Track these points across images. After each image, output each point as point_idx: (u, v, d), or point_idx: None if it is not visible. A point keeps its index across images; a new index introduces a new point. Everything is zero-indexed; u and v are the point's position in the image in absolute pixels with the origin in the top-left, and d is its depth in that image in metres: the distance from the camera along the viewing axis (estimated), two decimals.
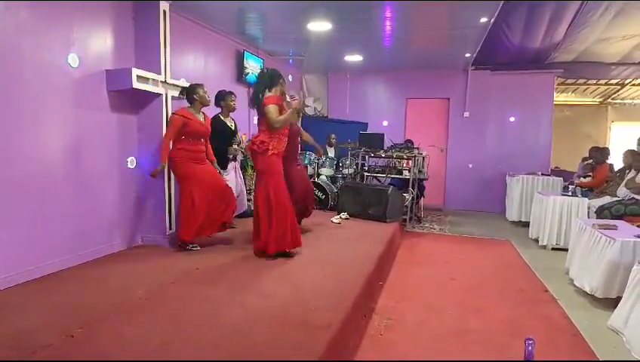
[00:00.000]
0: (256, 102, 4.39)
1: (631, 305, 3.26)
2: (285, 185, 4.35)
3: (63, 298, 3.21)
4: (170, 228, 4.81)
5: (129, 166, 4.63)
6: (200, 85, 4.62)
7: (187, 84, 4.97)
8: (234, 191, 5.32)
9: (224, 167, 5.26)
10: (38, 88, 3.57)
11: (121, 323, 2.79)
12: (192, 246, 4.51)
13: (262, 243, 4.30)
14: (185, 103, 4.72)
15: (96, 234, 4.24)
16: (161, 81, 4.61)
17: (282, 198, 4.27)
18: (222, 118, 5.29)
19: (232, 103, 5.31)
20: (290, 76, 8.97)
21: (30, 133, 3.53)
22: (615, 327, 3.43)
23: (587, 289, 4.11)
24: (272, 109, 4.22)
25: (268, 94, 4.32)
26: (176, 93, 4.80)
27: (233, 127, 5.48)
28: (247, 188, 6.24)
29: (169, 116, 4.60)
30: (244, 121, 6.91)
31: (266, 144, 4.26)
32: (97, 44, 4.17)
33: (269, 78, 4.39)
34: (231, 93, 5.34)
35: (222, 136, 5.20)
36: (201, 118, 4.61)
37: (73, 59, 3.87)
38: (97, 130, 4.22)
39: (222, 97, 5.30)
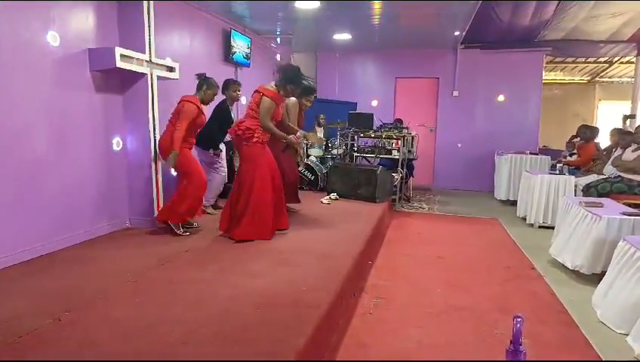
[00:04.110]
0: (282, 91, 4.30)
1: (615, 280, 3.32)
2: (270, 174, 4.22)
3: (49, 281, 3.18)
4: (158, 211, 4.76)
5: (115, 148, 4.55)
6: (235, 86, 4.85)
7: (172, 64, 4.88)
8: (220, 174, 5.30)
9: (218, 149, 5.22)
10: (17, 68, 3.46)
11: (109, 306, 2.78)
12: (184, 231, 4.45)
13: (226, 227, 4.29)
14: (169, 84, 4.64)
15: (83, 216, 4.19)
16: (146, 61, 4.51)
17: (263, 191, 4.14)
18: (228, 105, 5.21)
19: (234, 94, 5.21)
20: (278, 55, 8.86)
21: (10, 115, 3.43)
22: (597, 304, 3.49)
23: (572, 265, 4.17)
24: (266, 104, 4.10)
25: (271, 86, 4.18)
26: (161, 73, 4.70)
27: (235, 117, 5.42)
28: (236, 170, 6.19)
29: (180, 102, 4.35)
30: None
31: (252, 131, 4.15)
32: (79, 21, 4.05)
33: (293, 76, 4.28)
34: (236, 82, 5.21)
35: (223, 123, 5.12)
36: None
37: (53, 38, 3.76)
38: (81, 111, 4.13)
39: (226, 86, 5.21)
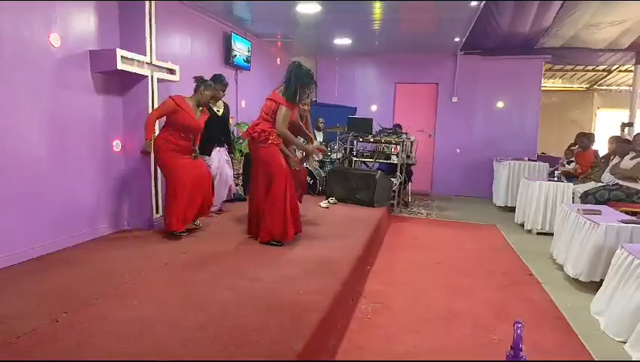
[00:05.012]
0: (292, 97, 4.16)
1: (613, 288, 3.33)
2: (286, 176, 4.18)
3: (47, 282, 3.17)
4: (157, 213, 4.76)
5: (115, 149, 4.55)
6: (219, 86, 4.84)
7: (173, 66, 4.89)
8: (219, 176, 5.28)
9: (208, 153, 5.17)
10: (18, 69, 3.47)
11: (107, 307, 2.77)
12: (180, 233, 4.44)
13: (255, 229, 4.30)
14: (170, 86, 4.63)
15: (82, 218, 4.18)
16: (147, 63, 4.52)
17: (281, 190, 4.12)
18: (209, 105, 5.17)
19: (220, 94, 5.18)
20: (278, 59, 8.88)
21: (11, 115, 3.43)
22: (595, 311, 3.49)
23: (571, 273, 4.18)
24: (283, 112, 4.09)
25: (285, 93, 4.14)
26: (162, 75, 4.71)
27: (221, 113, 5.36)
28: (235, 172, 6.19)
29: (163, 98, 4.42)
30: (231, 107, 6.82)
31: (267, 134, 4.14)
32: (80, 23, 4.06)
33: (304, 76, 4.18)
34: (222, 82, 5.14)
35: (207, 123, 5.09)
36: (197, 112, 4.45)
37: (55, 39, 3.76)
38: (82, 112, 4.13)
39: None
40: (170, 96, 4.34)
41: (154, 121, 4.36)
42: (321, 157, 4.90)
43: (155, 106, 4.62)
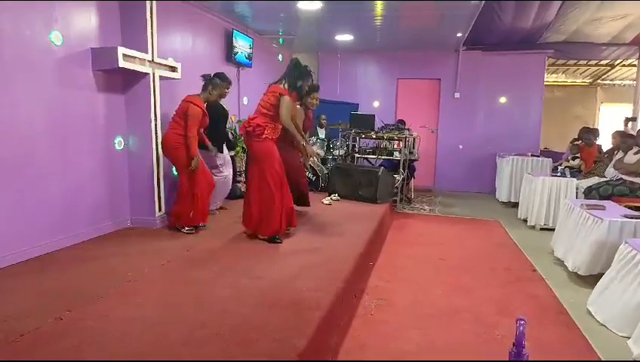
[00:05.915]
0: (300, 92, 4.32)
1: (608, 280, 3.33)
2: (280, 171, 4.20)
3: (50, 281, 3.18)
4: (160, 210, 4.77)
5: (117, 147, 4.56)
6: (225, 84, 4.88)
7: (174, 64, 4.89)
8: (225, 173, 5.31)
9: (220, 149, 5.22)
10: (20, 67, 3.47)
11: (110, 305, 2.78)
12: (189, 230, 4.48)
13: (253, 227, 4.29)
14: (171, 84, 4.62)
15: (85, 216, 4.19)
16: (148, 60, 4.51)
17: (275, 186, 4.14)
18: (219, 102, 5.21)
19: (225, 91, 5.23)
20: (280, 55, 8.87)
21: (13, 114, 3.44)
22: (588, 301, 3.49)
23: (570, 266, 4.17)
24: (288, 104, 4.12)
25: (284, 86, 4.21)
26: (163, 73, 4.71)
27: (228, 111, 5.55)
28: (238, 169, 6.20)
29: (184, 102, 4.45)
30: (233, 104, 6.83)
31: (262, 128, 4.13)
32: (82, 21, 4.05)
33: (303, 72, 4.31)
34: (226, 80, 5.20)
35: (221, 120, 5.23)
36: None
37: (57, 37, 3.76)
38: (83, 110, 4.13)
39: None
40: (190, 102, 4.40)
41: (197, 136, 4.45)
42: (318, 156, 5.00)
43: (158, 104, 4.64)
